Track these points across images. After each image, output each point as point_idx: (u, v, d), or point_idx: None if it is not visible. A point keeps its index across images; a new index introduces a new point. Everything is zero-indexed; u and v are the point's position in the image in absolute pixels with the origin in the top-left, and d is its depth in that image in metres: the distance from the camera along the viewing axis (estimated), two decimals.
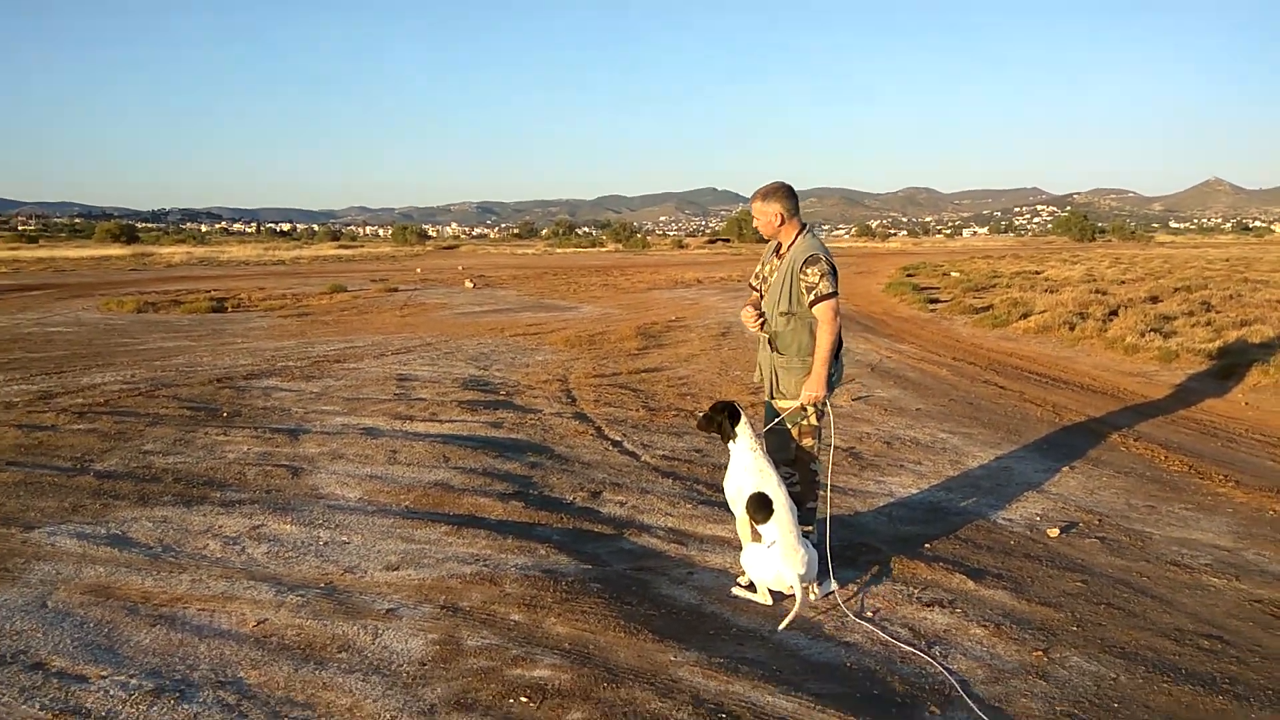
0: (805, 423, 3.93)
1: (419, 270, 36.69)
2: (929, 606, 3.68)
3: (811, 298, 3.79)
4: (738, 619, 3.53)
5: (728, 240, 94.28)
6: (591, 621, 3.40)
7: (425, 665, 3.05)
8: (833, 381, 3.91)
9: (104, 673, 2.99)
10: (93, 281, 27.69)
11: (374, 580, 3.83)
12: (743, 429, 3.80)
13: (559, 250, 72.54)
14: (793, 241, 3.93)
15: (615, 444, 6.35)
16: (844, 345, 4.07)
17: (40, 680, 2.94)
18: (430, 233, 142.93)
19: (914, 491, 5.37)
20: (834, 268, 3.81)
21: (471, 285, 25.72)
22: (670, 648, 3.21)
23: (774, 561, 3.57)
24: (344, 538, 4.35)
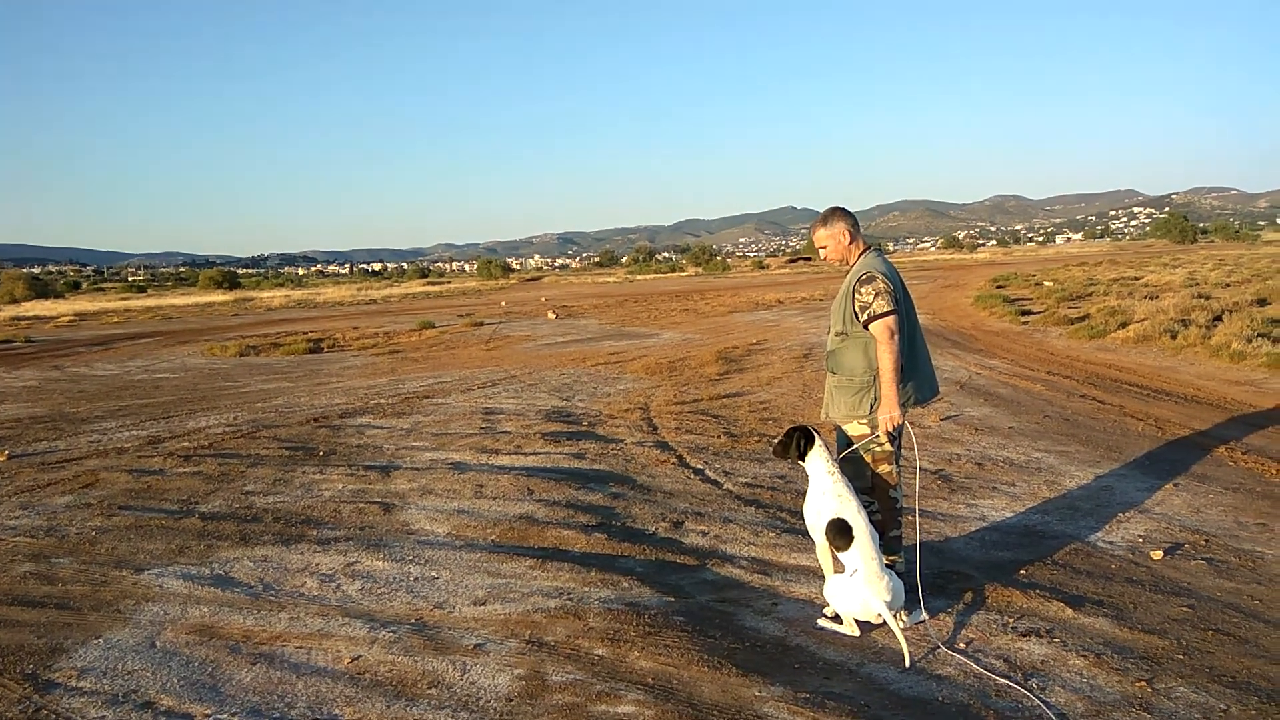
0: (879, 448, 3.85)
1: (503, 303, 37.46)
2: (1025, 636, 3.55)
3: (865, 317, 3.73)
4: (824, 652, 3.47)
5: (809, 259, 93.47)
6: (675, 655, 3.39)
7: (511, 701, 3.09)
8: (902, 403, 3.77)
9: (208, 711, 3.13)
10: (197, 327, 29.15)
11: (462, 615, 3.90)
12: (819, 452, 3.76)
13: (639, 277, 73.04)
14: (855, 262, 3.93)
15: (697, 472, 6.34)
16: (930, 380, 4.01)
17: (149, 719, 3.09)
18: (514, 265, 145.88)
19: (1008, 515, 5.20)
20: (894, 286, 3.74)
21: (554, 316, 26.11)
22: (755, 682, 3.18)
23: (858, 591, 3.51)
24: (433, 573, 4.46)
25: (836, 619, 3.68)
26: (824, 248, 4.00)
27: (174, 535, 5.20)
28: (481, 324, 23.99)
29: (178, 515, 5.61)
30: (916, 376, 3.90)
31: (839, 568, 3.63)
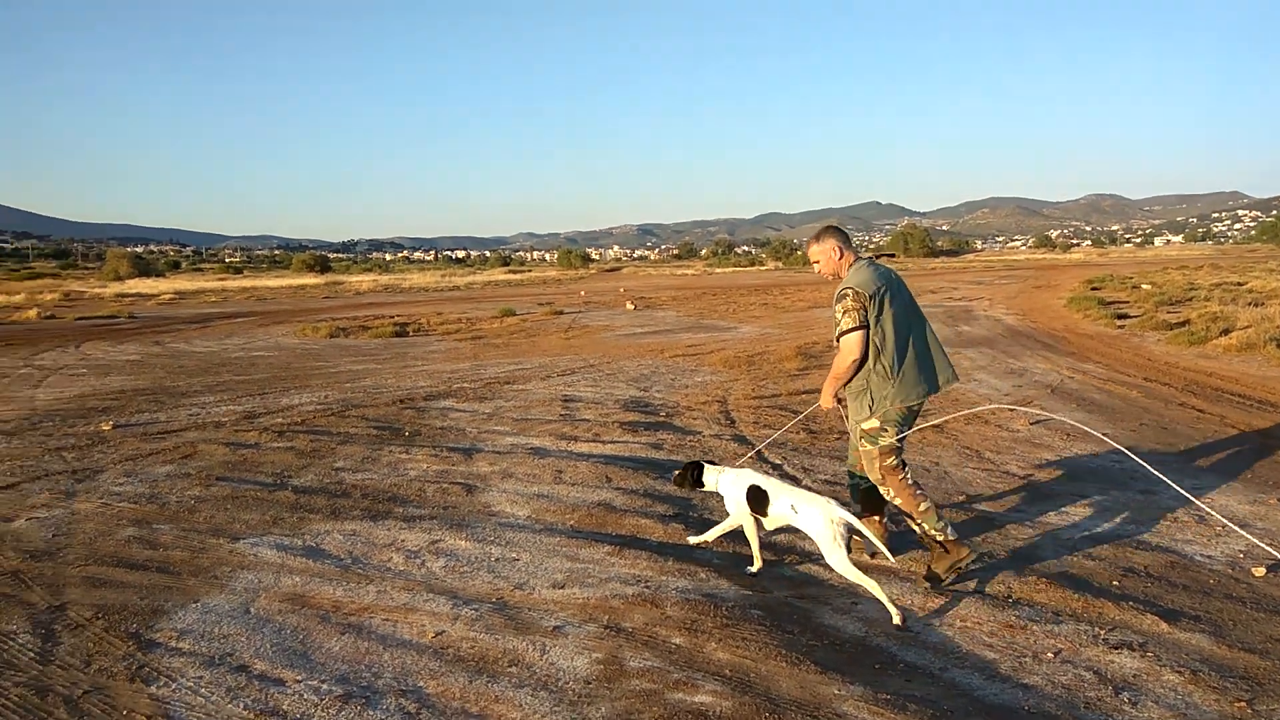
0: (870, 446, 4.16)
1: (582, 293, 37.77)
2: (1117, 649, 3.43)
3: (836, 333, 4.13)
4: (905, 654, 3.41)
5: (893, 255, 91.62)
6: (752, 649, 3.38)
7: (590, 684, 3.13)
8: (878, 408, 4.10)
9: (299, 677, 3.25)
10: (290, 309, 30.19)
11: (542, 597, 3.96)
12: (709, 474, 4.42)
13: (718, 270, 72.72)
14: (845, 275, 4.27)
15: (775, 467, 6.29)
16: (940, 370, 4.25)
17: (244, 681, 3.23)
18: (593, 256, 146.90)
19: (1101, 525, 5.02)
20: (870, 295, 4.04)
21: (632, 307, 26.21)
22: (834, 680, 3.15)
23: (814, 517, 3.87)
24: (514, 555, 4.54)
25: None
26: (816, 263, 4.39)
27: (268, 507, 5.41)
28: (561, 313, 24.24)
29: (272, 488, 5.84)
30: (921, 371, 4.17)
31: (761, 530, 4.28)
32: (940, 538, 4.05)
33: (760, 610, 3.79)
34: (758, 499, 4.15)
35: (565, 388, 10.13)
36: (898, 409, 4.10)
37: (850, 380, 4.17)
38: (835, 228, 4.41)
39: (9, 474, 6.32)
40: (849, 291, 4.07)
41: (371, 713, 2.98)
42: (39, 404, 9.65)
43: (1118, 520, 5.08)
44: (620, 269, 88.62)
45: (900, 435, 4.15)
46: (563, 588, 4.07)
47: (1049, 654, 3.41)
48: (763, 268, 76.64)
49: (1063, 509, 5.30)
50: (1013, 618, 3.70)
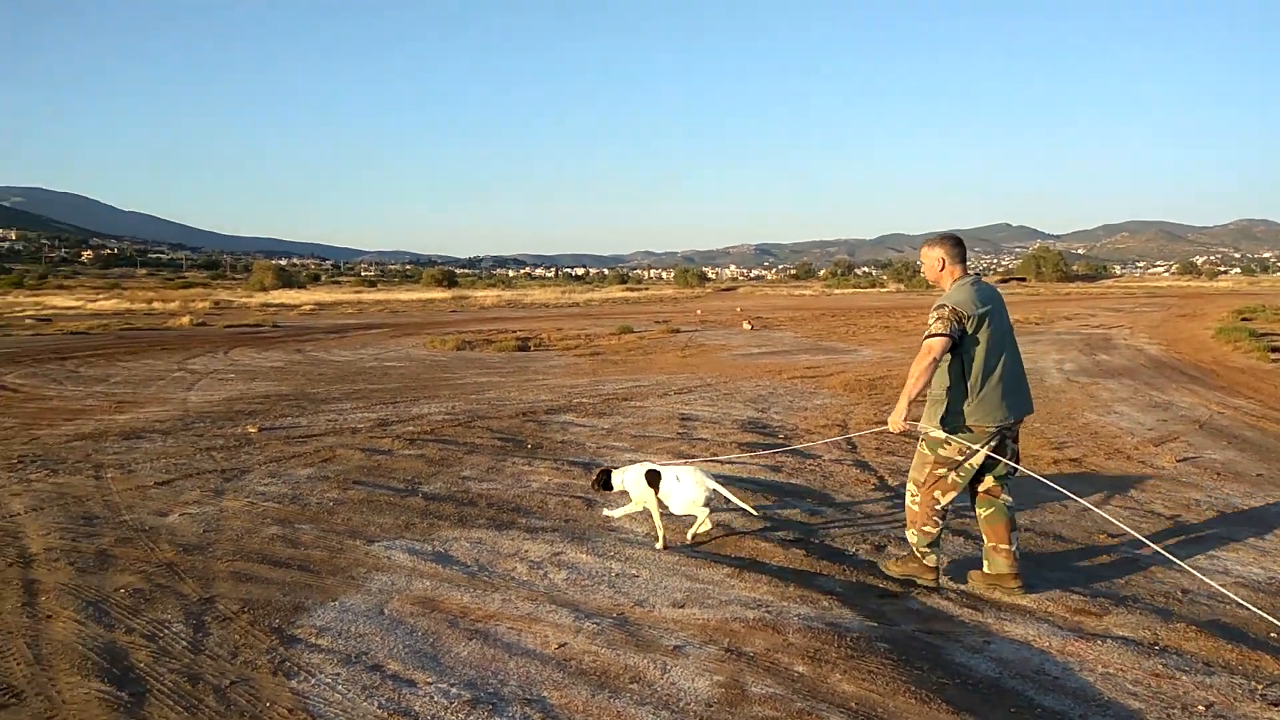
0: (930, 453, 4.24)
1: (699, 311, 37.81)
2: (1276, 706, 3.17)
3: (924, 335, 4.13)
4: (1043, 698, 3.24)
5: (1023, 279, 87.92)
6: (879, 683, 3.29)
7: (711, 707, 3.11)
8: (949, 422, 4.15)
9: (429, 679, 3.36)
10: (420, 321, 31.40)
11: (662, 615, 3.97)
12: (614, 476, 5.17)
13: (836, 291, 71.55)
14: (946, 288, 4.26)
15: (900, 495, 6.12)
16: (1022, 402, 4.25)
17: (378, 680, 3.35)
18: (709, 275, 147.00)
19: (1255, 571, 4.65)
20: (966, 314, 4.04)
21: (749, 326, 26.06)
22: None
23: (689, 484, 4.83)
24: (633, 571, 4.57)
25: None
26: (923, 267, 4.43)
27: (400, 512, 5.64)
28: (678, 331, 24.33)
29: (403, 494, 6.07)
30: (1004, 398, 4.14)
31: (663, 508, 4.95)
32: (922, 558, 4.32)
33: (886, 643, 3.68)
34: (653, 480, 4.96)
35: (682, 406, 10.16)
36: (971, 428, 4.14)
37: (923, 387, 4.12)
38: (951, 237, 4.37)
39: (165, 471, 6.80)
40: (946, 305, 4.09)
41: (498, 719, 3.05)
42: (191, 406, 10.35)
43: (1276, 567, 4.70)
44: (736, 288, 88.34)
45: (966, 456, 4.17)
46: (682, 607, 4.06)
47: (1200, 707, 3.18)
48: (883, 289, 74.96)
49: (1213, 552, 4.95)
50: (1159, 666, 3.47)
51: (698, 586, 4.33)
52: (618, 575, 4.51)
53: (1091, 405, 10.25)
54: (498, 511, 5.67)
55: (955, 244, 4.32)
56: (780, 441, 7.98)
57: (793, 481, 6.49)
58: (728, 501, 4.97)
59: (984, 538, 4.38)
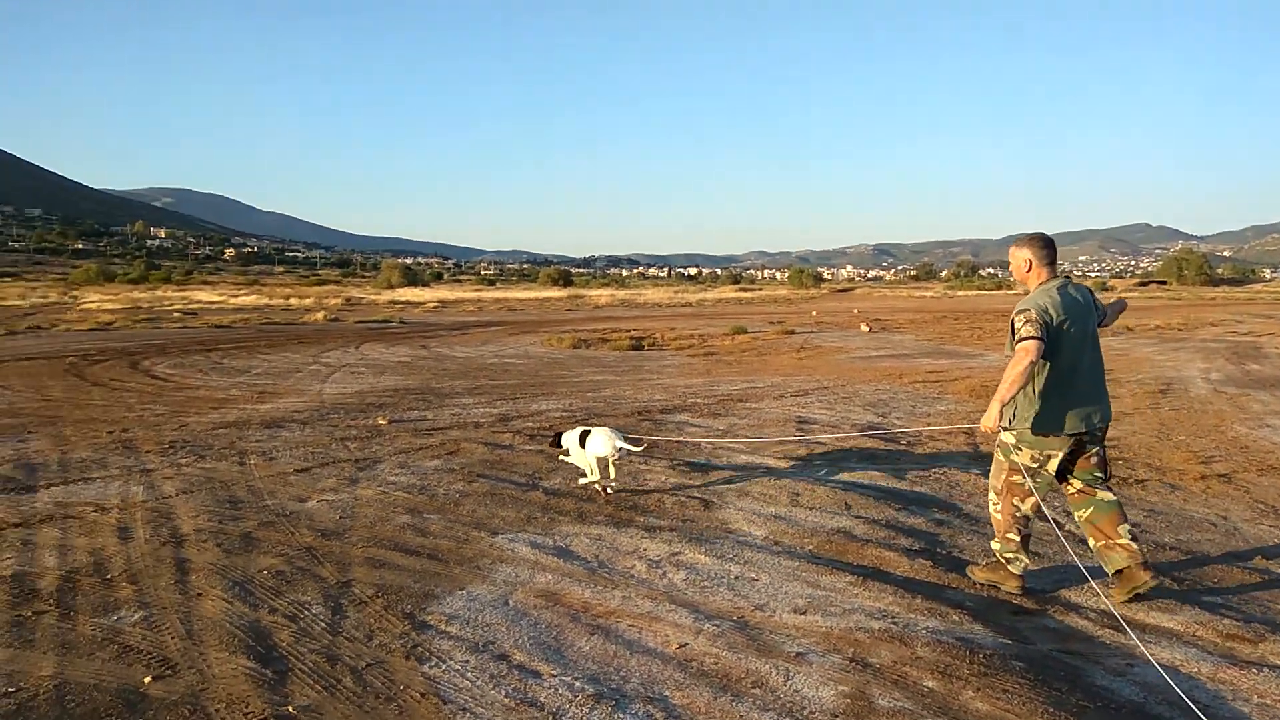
0: (1005, 459, 4.25)
1: (814, 313, 37.23)
2: None
3: (1013, 339, 4.08)
4: None
5: (1164, 283, 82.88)
6: (1015, 703, 3.14)
7: (836, 717, 3.05)
8: (1020, 429, 4.11)
9: (554, 671, 3.41)
10: (536, 319, 32.07)
11: (782, 621, 3.92)
12: (565, 438, 6.20)
13: (959, 293, 69.15)
14: (1032, 289, 4.22)
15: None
16: (1095, 412, 4.13)
17: (505, 670, 3.43)
18: (825, 275, 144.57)
19: None
20: (1052, 319, 4.00)
21: (867, 329, 25.48)
22: None
23: (598, 441, 5.85)
24: (752, 574, 4.52)
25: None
26: (1011, 266, 4.39)
27: (522, 506, 5.76)
28: (792, 332, 24.01)
29: (525, 488, 6.21)
30: (1071, 407, 4.07)
31: (604, 464, 5.93)
32: (1007, 564, 4.30)
33: (1022, 662, 3.52)
34: (583, 439, 5.96)
35: (799, 408, 10.01)
36: (1038, 433, 4.10)
37: (1018, 391, 4.04)
38: (1040, 237, 4.28)
39: (304, 459, 7.16)
40: (1029, 308, 4.06)
41: (621, 715, 3.07)
42: (326, 398, 10.87)
43: None
44: (853, 289, 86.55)
45: (1040, 463, 4.15)
46: (804, 614, 4.00)
47: None
48: (1011, 291, 72.00)
49: None
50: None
51: (819, 594, 4.25)
52: (736, 578, 4.48)
53: (1241, 417, 9.55)
54: (615, 509, 5.72)
55: (1044, 245, 4.24)
56: (903, 449, 7.76)
57: (917, 489, 6.30)
58: (631, 452, 6.09)
59: (1089, 540, 4.26)
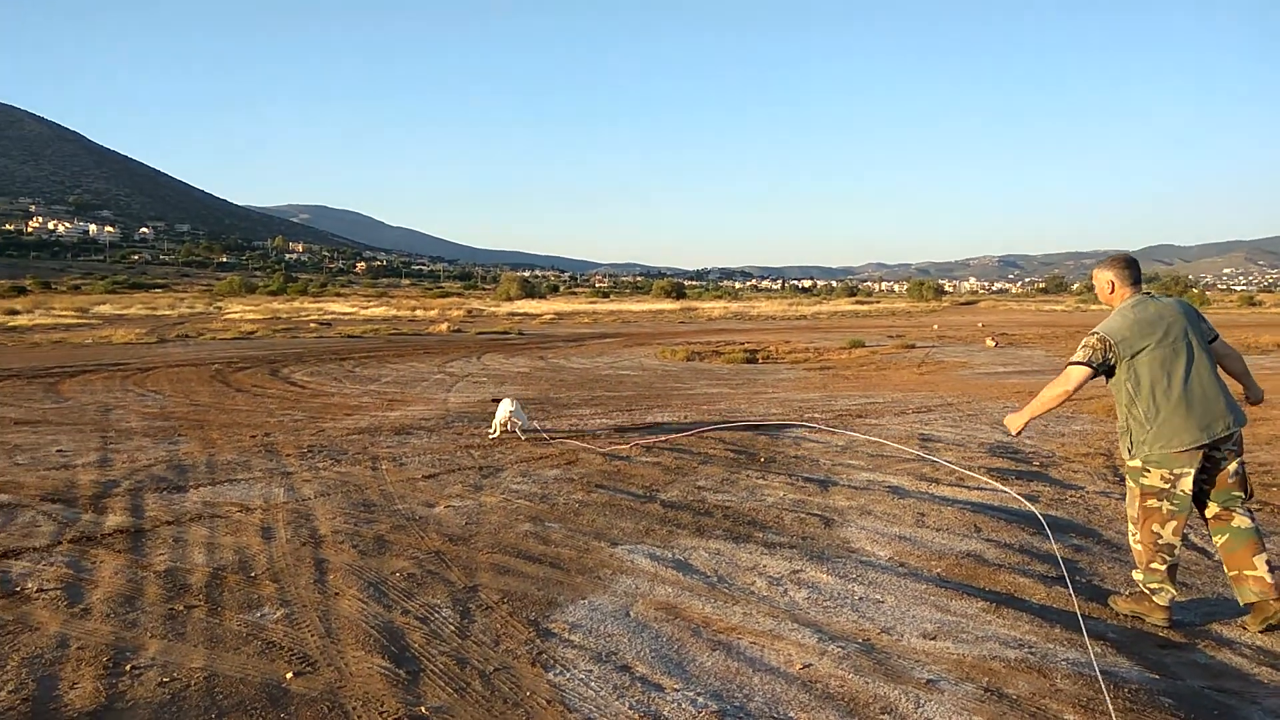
0: (1145, 483, 4.04)
1: (935, 327, 36.11)
2: None
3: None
4: None
5: None
6: None
7: None
8: (1138, 451, 4.01)
9: (676, 685, 3.40)
10: (650, 331, 32.29)
11: (911, 646, 3.80)
12: (500, 406, 8.73)
13: (1093, 306, 65.78)
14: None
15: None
16: (1218, 418, 3.92)
17: (628, 681, 3.45)
18: (947, 288, 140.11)
19: None
20: (1113, 344, 3.99)
21: (993, 343, 24.52)
22: None
23: (502, 406, 8.55)
24: (877, 596, 4.41)
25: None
26: (1096, 289, 4.38)
27: (640, 517, 5.79)
28: (913, 346, 23.36)
29: (642, 500, 6.24)
30: (1190, 417, 3.91)
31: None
32: (1152, 595, 4.07)
33: (1170, 698, 3.30)
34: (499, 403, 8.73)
35: (921, 425, 9.72)
36: (1159, 453, 3.95)
37: (1048, 409, 4.26)
38: (1123, 260, 4.28)
39: (432, 465, 7.41)
40: (1097, 333, 4.08)
41: None
42: (451, 406, 11.23)
43: None
44: (976, 302, 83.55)
45: (1171, 483, 3.97)
46: (933, 639, 3.86)
47: None
48: None
49: None
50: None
51: (950, 619, 4.10)
52: (860, 599, 4.37)
53: None
54: (734, 524, 5.68)
55: (1126, 265, 4.25)
56: (1036, 470, 7.42)
57: (1052, 513, 6.01)
58: (521, 424, 8.67)
59: (1225, 568, 4.07)
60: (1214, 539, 4.12)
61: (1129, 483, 4.16)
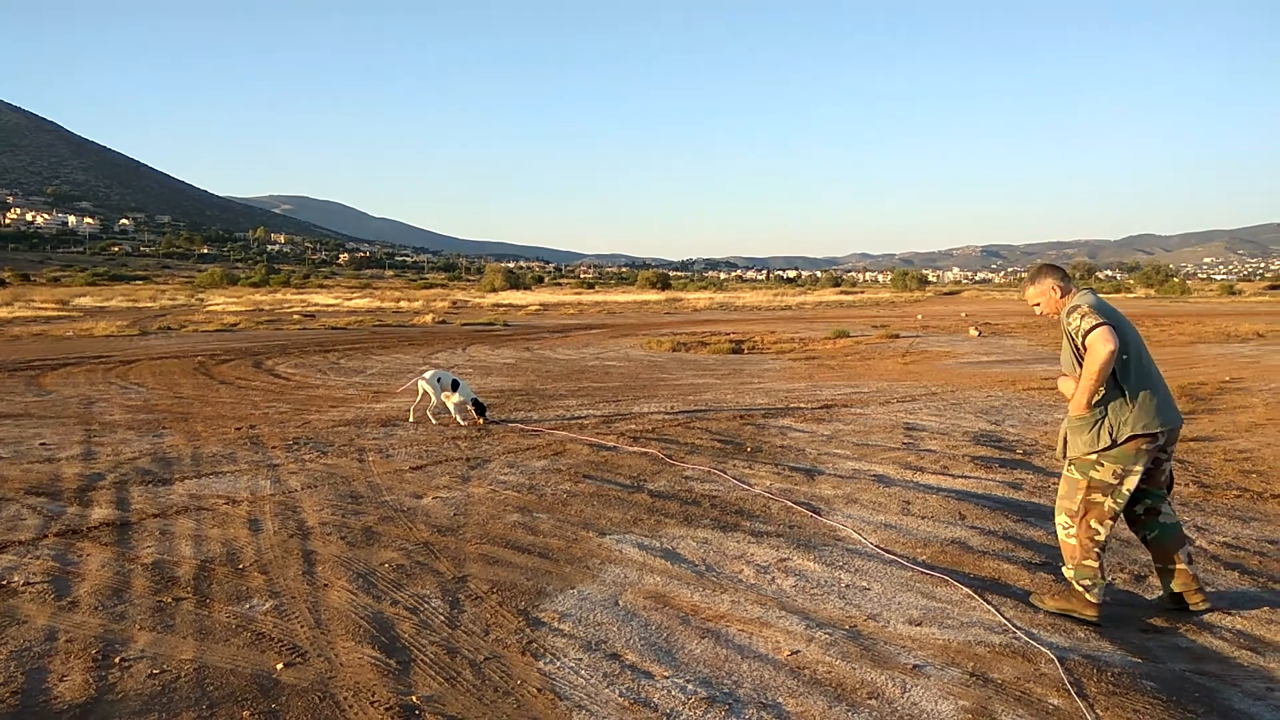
0: (1082, 476, 4.00)
1: (919, 316, 36.31)
2: None
3: (1080, 338, 3.96)
4: None
5: None
6: None
7: None
8: (1110, 433, 3.91)
9: (665, 673, 3.44)
10: (635, 322, 32.29)
11: (896, 632, 3.84)
12: (427, 375, 9.14)
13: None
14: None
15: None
16: (1164, 396, 4.01)
17: (618, 669, 3.48)
18: (930, 278, 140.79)
19: None
20: (1103, 311, 3.93)
21: (976, 333, 24.69)
22: None
23: (425, 374, 9.08)
24: (864, 583, 4.45)
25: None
26: (1037, 304, 4.37)
27: (628, 507, 5.82)
28: (897, 336, 23.48)
29: (630, 489, 6.27)
30: (1163, 398, 3.99)
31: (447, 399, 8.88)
32: (1085, 592, 4.00)
33: (1153, 681, 3.36)
34: (423, 375, 9.21)
35: (906, 415, 9.79)
36: (1131, 447, 3.91)
37: (1104, 381, 3.90)
38: (1053, 266, 4.38)
39: (419, 457, 7.41)
40: (1080, 304, 4.04)
41: None
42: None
43: None
44: (959, 292, 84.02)
45: (1121, 478, 3.95)
46: (919, 625, 3.91)
47: None
48: (1130, 294, 68.62)
49: None
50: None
51: (934, 605, 4.15)
52: (847, 586, 4.41)
53: None
54: (721, 513, 5.72)
55: (1059, 271, 4.35)
56: (1019, 458, 7.50)
57: (1035, 501, 6.08)
58: (431, 395, 9.08)
59: (1153, 560, 4.20)
60: (1144, 533, 4.17)
61: (1073, 474, 4.08)
